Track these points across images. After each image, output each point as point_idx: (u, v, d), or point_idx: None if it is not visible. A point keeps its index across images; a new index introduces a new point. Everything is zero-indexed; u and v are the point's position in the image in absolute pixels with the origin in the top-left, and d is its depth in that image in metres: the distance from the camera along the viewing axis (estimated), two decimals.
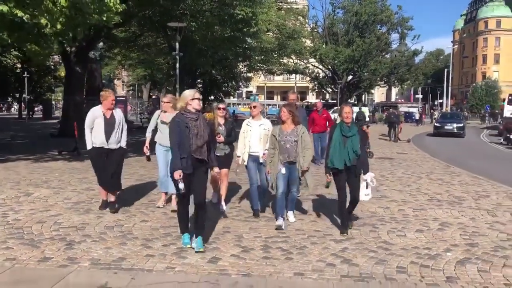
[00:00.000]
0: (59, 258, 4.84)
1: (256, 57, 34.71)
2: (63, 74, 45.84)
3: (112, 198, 6.91)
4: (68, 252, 5.04)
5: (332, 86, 54.31)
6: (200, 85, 38.38)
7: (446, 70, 63.54)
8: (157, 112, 7.22)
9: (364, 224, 6.50)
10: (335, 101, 52.86)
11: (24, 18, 9.40)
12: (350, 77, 52.81)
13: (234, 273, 4.56)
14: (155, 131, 7.10)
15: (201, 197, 5.10)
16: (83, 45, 19.40)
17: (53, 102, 55.06)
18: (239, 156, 7.01)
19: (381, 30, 52.98)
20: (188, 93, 5.15)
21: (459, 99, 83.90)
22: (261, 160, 6.79)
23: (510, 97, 41.37)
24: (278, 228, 6.06)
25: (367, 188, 6.23)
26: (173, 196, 6.78)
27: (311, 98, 77.95)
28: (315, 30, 54.16)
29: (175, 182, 4.93)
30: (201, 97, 5.33)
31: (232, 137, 7.06)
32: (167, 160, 6.40)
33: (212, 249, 5.24)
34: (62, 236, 5.62)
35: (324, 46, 50.12)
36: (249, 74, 44.71)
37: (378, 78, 53.41)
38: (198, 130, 4.98)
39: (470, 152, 20.02)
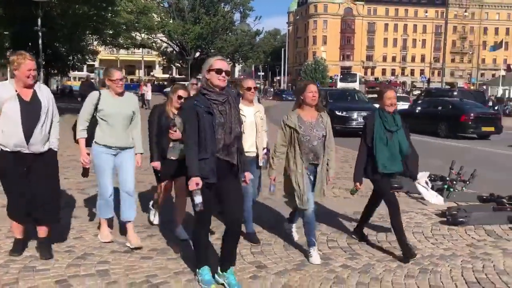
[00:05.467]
0: None
1: (107, 31, 34.46)
2: None
3: (42, 232, 4.19)
4: None
5: (181, 62, 55.94)
6: (42, 58, 36.47)
7: (282, 49, 69.89)
8: (94, 94, 4.39)
9: None
10: (183, 76, 54.61)
11: None
12: (198, 54, 55.11)
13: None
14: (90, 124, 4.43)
15: (237, 213, 3.57)
16: None
17: None
18: None
19: (225, 9, 56.18)
20: (212, 59, 3.49)
21: (294, 76, 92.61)
22: (260, 163, 4.82)
23: (341, 76, 48.22)
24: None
25: (428, 190, 5.07)
26: (129, 225, 4.49)
27: (159, 72, 78.35)
28: (161, 5, 54.82)
29: (190, 195, 3.36)
30: (229, 68, 3.55)
31: None
32: (112, 168, 4.43)
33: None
34: None
35: (171, 21, 51.31)
36: (99, 48, 43.77)
37: (224, 56, 56.66)
38: (225, 120, 3.39)
39: None
